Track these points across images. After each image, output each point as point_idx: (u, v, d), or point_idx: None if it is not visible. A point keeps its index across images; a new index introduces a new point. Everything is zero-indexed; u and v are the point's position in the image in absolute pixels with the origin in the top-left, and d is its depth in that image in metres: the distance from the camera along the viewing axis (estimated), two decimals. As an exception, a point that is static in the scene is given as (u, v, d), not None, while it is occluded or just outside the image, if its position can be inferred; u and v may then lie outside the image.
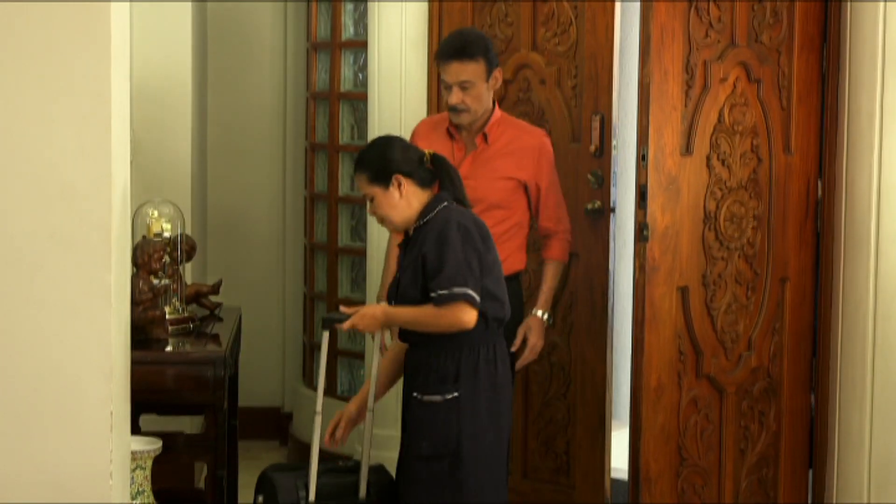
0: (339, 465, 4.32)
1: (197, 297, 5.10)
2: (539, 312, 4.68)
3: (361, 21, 6.16)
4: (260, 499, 4.20)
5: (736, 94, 4.85)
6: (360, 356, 6.10)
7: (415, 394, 4.10)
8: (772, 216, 4.95)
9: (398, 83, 5.65)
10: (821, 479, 5.08)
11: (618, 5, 5.13)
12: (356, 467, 4.26)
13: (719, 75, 4.80)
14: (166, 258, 4.79)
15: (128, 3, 3.49)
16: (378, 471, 4.30)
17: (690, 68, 4.75)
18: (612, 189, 5.12)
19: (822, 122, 5.04)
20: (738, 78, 4.84)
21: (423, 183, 4.11)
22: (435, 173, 4.14)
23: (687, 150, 4.75)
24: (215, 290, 5.17)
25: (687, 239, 4.78)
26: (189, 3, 5.91)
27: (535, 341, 4.67)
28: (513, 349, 4.53)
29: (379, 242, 5.74)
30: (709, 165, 4.81)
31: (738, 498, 4.96)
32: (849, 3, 4.91)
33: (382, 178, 4.09)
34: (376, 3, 5.72)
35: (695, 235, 4.79)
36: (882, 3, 4.80)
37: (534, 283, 4.93)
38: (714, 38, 4.77)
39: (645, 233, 4.64)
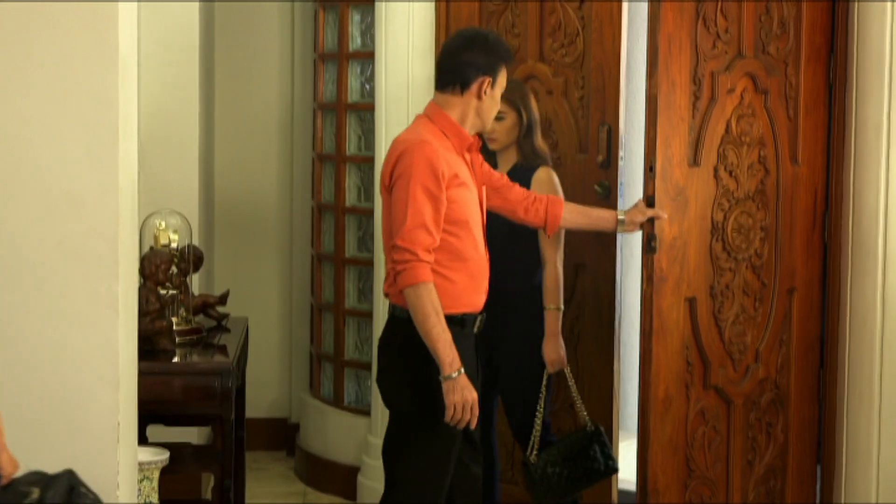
0: None
1: (204, 307, 5.11)
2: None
3: (368, 32, 6.17)
4: None
5: (743, 105, 4.84)
6: (367, 367, 6.10)
7: None
8: (779, 227, 4.94)
9: (405, 94, 5.66)
10: (829, 490, 5.07)
11: (625, 16, 5.13)
12: None
13: (727, 86, 4.80)
14: (174, 269, 4.80)
15: (135, 14, 3.50)
16: None
17: (698, 79, 4.74)
18: (619, 200, 5.12)
19: (829, 132, 5.04)
20: (745, 89, 4.84)
21: None
22: None
23: (695, 161, 4.75)
24: (222, 300, 5.18)
25: (694, 250, 4.77)
26: (196, 14, 5.93)
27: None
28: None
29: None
30: (716, 176, 4.81)
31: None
32: (856, 15, 4.91)
33: None
34: (383, 13, 5.73)
35: (702, 246, 4.78)
36: (889, 15, 4.80)
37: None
38: (721, 48, 4.78)
39: (653, 244, 4.64)
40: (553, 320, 4.82)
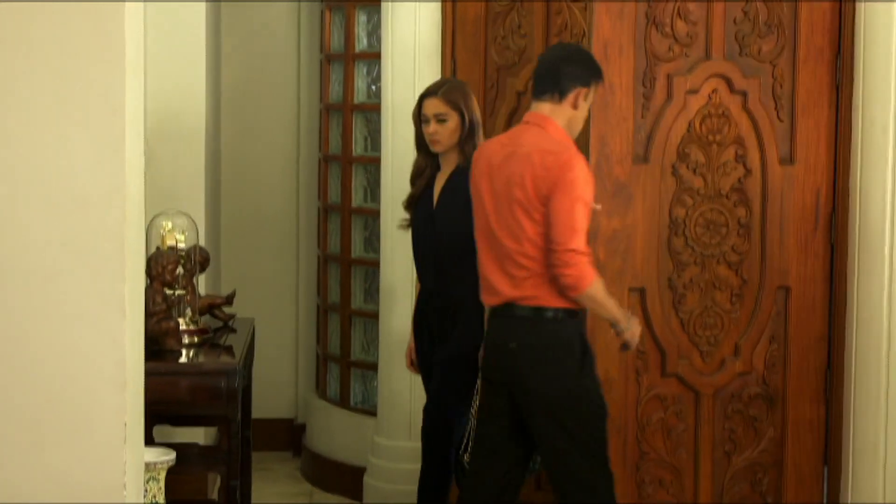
0: None
1: (210, 308, 5.11)
2: None
3: (375, 33, 6.18)
4: None
5: (711, 105, 4.97)
6: (374, 367, 6.10)
7: None
8: (767, 225, 5.01)
9: (411, 95, 5.64)
10: (835, 490, 5.07)
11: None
12: None
13: (685, 87, 4.94)
14: (180, 269, 4.80)
15: (142, 14, 3.50)
16: None
17: (649, 81, 4.92)
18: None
19: (837, 133, 5.04)
20: (714, 90, 4.97)
21: None
22: None
23: (644, 158, 4.90)
24: (229, 301, 5.18)
25: (643, 243, 4.91)
26: (203, 15, 5.93)
27: None
28: None
29: (392, 254, 5.74)
30: (675, 174, 4.95)
31: (723, 498, 5.06)
32: (862, 16, 4.91)
33: None
34: (389, 14, 5.73)
35: (654, 240, 4.91)
36: (896, 15, 4.80)
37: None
38: (679, 51, 4.94)
39: None
40: None
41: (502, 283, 4.38)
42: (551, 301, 4.34)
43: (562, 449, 4.37)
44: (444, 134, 4.90)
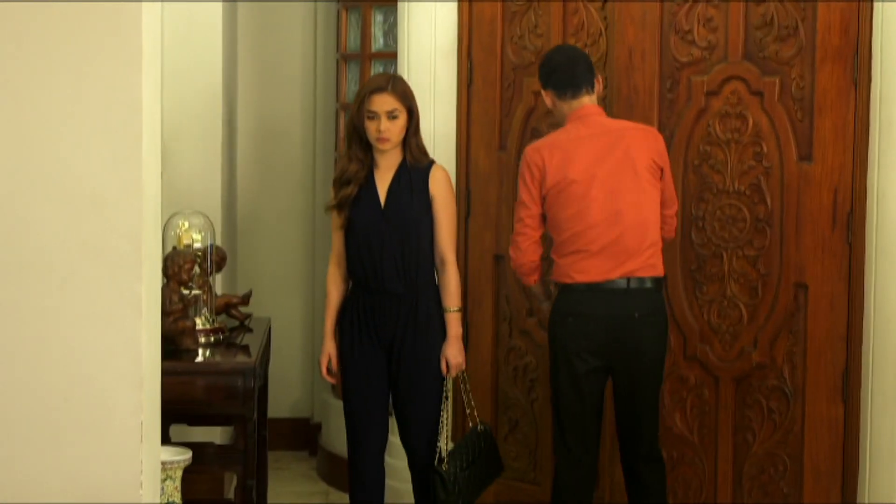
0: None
1: (227, 307, 5.12)
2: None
3: (391, 32, 6.18)
4: None
5: (730, 105, 5.08)
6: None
7: None
8: (784, 222, 5.05)
9: (429, 94, 5.65)
10: (852, 490, 5.05)
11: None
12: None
13: (703, 89, 5.09)
14: (196, 269, 4.81)
15: (159, 15, 3.51)
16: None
17: (672, 84, 5.12)
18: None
19: (855, 132, 5.04)
20: (733, 91, 5.08)
21: None
22: None
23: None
24: (245, 300, 5.19)
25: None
26: (220, 15, 5.94)
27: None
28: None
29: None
30: (696, 172, 5.10)
31: (743, 484, 5.16)
32: (880, 15, 4.89)
33: None
34: (406, 14, 5.73)
35: (676, 233, 5.01)
36: (914, 14, 4.79)
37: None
38: (699, 55, 5.10)
39: None
40: (456, 322, 4.76)
41: None
42: (661, 269, 4.76)
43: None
44: (395, 131, 4.71)
